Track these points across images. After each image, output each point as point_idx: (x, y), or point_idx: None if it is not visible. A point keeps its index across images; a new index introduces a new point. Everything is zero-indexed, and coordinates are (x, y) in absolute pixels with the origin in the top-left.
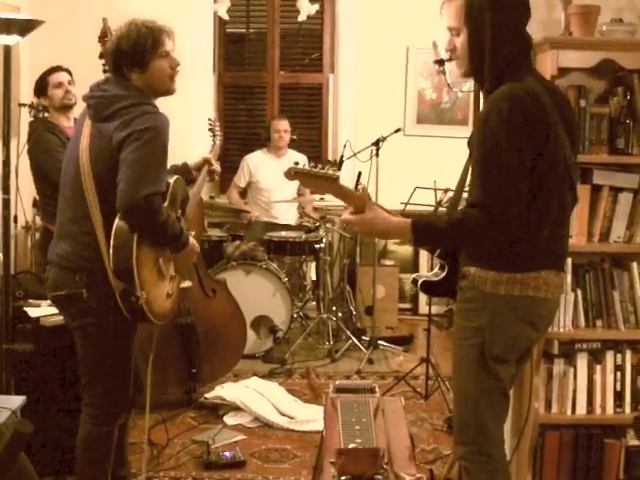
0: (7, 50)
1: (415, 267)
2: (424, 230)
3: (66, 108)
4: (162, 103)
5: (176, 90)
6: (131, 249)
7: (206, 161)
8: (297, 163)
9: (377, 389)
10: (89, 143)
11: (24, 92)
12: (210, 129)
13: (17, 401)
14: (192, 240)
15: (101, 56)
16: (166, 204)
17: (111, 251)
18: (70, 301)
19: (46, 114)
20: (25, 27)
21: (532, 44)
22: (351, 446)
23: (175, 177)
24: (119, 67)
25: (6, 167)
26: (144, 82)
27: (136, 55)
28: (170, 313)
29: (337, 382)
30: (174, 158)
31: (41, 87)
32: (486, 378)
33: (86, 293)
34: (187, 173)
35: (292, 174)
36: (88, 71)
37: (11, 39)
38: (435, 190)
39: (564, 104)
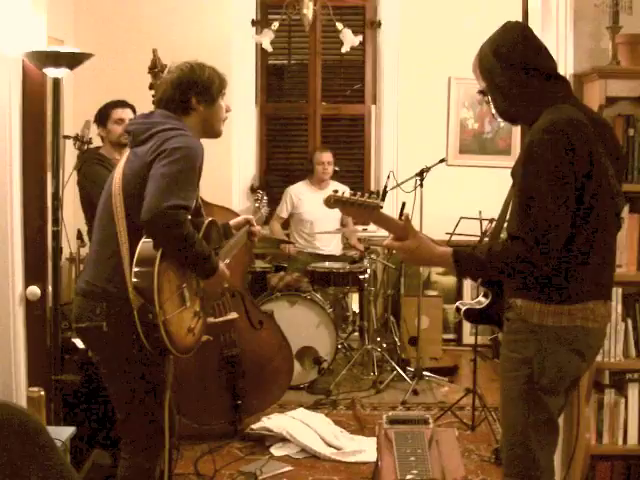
0: (56, 83)
1: (459, 297)
2: (465, 261)
3: (121, 145)
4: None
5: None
6: (153, 263)
7: (247, 221)
8: (336, 191)
9: (430, 420)
10: (124, 167)
11: (68, 124)
12: (256, 199)
13: (67, 432)
14: (222, 267)
15: (151, 87)
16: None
17: (134, 266)
18: (91, 334)
19: (91, 146)
20: (74, 60)
21: (557, 72)
22: (408, 477)
23: (210, 219)
24: (188, 97)
25: (55, 199)
26: (203, 118)
27: (209, 88)
28: (192, 349)
29: (390, 413)
30: (216, 183)
31: (102, 118)
32: (535, 409)
33: (106, 326)
34: (227, 231)
35: (331, 202)
36: (133, 102)
37: (60, 72)
38: (480, 220)
39: (607, 131)
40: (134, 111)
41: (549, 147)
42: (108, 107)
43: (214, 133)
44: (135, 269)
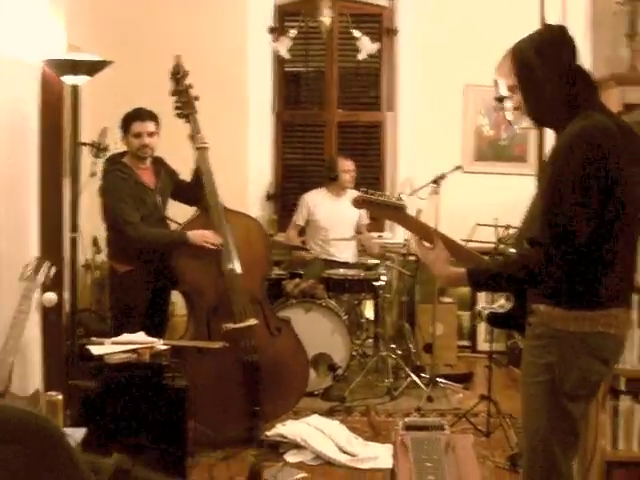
0: (75, 90)
1: (473, 304)
2: (481, 276)
3: (140, 158)
4: (224, 140)
5: None
6: None
7: None
8: (365, 191)
9: (446, 426)
10: None
11: (84, 131)
12: None
13: (79, 433)
14: None
15: (173, 93)
16: None
17: None
18: None
19: (107, 153)
20: (93, 67)
21: (591, 79)
22: None
23: None
24: None
25: (75, 205)
26: None
27: None
28: None
29: (406, 419)
30: (231, 191)
31: (124, 127)
32: (557, 415)
33: None
34: None
35: (360, 202)
36: (151, 108)
37: (79, 79)
38: (496, 227)
39: (635, 140)
40: (157, 123)
41: (576, 153)
42: (128, 119)
43: None
44: None
